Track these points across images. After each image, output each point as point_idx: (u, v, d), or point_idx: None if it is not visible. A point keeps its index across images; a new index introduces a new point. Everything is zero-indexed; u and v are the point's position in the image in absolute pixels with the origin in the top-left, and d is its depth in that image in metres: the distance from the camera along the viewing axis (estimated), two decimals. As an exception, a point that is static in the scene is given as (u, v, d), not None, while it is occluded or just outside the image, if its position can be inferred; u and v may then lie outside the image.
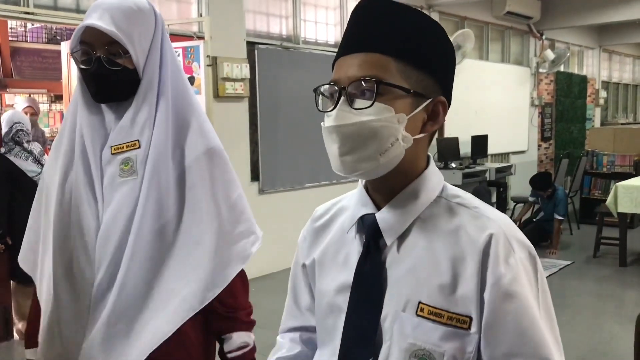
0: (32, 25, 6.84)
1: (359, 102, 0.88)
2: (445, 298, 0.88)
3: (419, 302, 0.89)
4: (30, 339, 1.53)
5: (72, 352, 1.38)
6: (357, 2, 0.95)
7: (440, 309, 0.88)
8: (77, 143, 1.42)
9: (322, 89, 0.94)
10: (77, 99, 1.44)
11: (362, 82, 0.87)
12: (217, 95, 5.00)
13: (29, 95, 6.56)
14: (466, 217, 0.92)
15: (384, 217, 0.94)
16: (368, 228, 0.95)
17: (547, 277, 3.83)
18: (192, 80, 4.61)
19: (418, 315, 0.89)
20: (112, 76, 1.36)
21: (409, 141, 0.90)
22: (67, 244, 1.39)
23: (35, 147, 4.10)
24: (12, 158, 3.91)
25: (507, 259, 0.87)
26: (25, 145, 4.04)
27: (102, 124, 1.42)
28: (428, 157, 0.98)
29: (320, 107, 0.94)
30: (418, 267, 0.90)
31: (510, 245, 0.88)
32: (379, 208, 0.95)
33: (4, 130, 3.98)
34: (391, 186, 0.94)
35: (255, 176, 5.51)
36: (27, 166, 3.96)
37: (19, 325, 4.07)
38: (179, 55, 4.52)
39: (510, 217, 6.36)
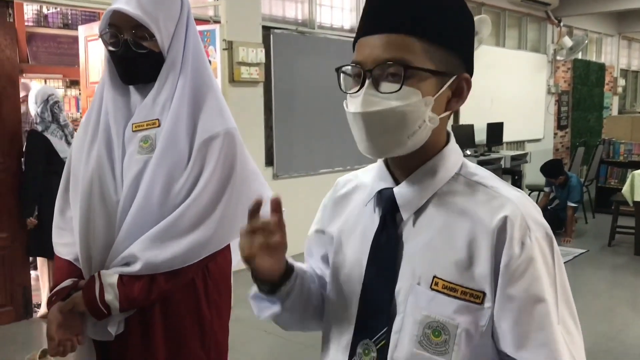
0: (48, 10, 6.87)
1: (386, 86, 0.87)
2: (459, 273, 0.89)
3: (434, 277, 0.90)
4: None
5: None
6: None
7: (454, 283, 0.89)
8: (101, 121, 1.47)
9: (344, 69, 0.93)
10: (105, 79, 1.49)
11: (388, 65, 0.87)
12: (233, 79, 5.02)
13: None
14: (483, 196, 0.92)
15: (402, 192, 0.95)
16: (385, 202, 0.96)
17: (561, 263, 3.61)
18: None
19: (432, 289, 0.90)
20: (138, 59, 1.40)
21: (436, 122, 0.90)
22: (89, 216, 1.44)
23: (68, 126, 4.12)
24: (48, 136, 3.94)
25: (522, 239, 0.87)
26: (62, 120, 4.05)
27: (127, 103, 1.46)
28: (448, 134, 0.98)
29: (343, 88, 0.94)
30: (433, 243, 0.91)
31: (526, 225, 0.88)
32: (397, 182, 0.97)
33: (39, 106, 4.00)
34: (412, 162, 0.94)
35: (269, 161, 5.53)
36: (60, 146, 3.99)
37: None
38: (195, 39, 4.54)
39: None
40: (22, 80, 5.32)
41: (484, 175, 0.96)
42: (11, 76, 4.00)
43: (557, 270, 0.90)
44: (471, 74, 0.95)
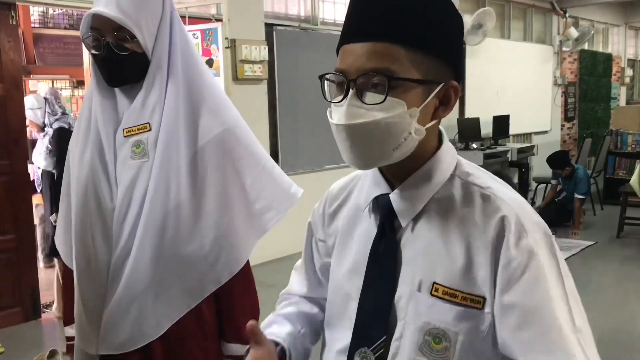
0: (54, 11, 6.90)
1: (370, 97, 0.85)
2: (459, 279, 0.87)
3: (434, 283, 0.88)
4: (67, 316, 1.60)
5: (94, 321, 1.44)
6: None
7: (454, 289, 0.87)
8: (92, 126, 1.45)
9: (328, 76, 0.91)
10: (92, 84, 1.47)
11: (372, 75, 0.84)
12: (236, 77, 5.02)
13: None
14: (479, 199, 0.90)
15: (398, 198, 0.93)
16: (382, 209, 0.95)
17: (569, 258, 3.84)
18: (210, 62, 4.63)
19: (433, 295, 0.88)
20: (121, 61, 1.38)
21: (422, 133, 0.88)
22: (85, 223, 1.43)
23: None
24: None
25: (519, 240, 0.85)
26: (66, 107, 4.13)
27: (115, 107, 1.45)
28: (441, 134, 0.96)
29: (327, 96, 0.92)
30: (432, 248, 0.90)
31: (522, 226, 0.86)
32: (392, 187, 0.95)
33: (48, 107, 4.04)
34: (404, 167, 0.93)
35: (274, 158, 5.51)
36: None
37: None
38: (197, 37, 4.52)
39: (532, 198, 6.28)
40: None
41: (479, 175, 0.94)
42: (15, 78, 4.01)
43: (560, 266, 0.88)
44: (459, 80, 0.92)
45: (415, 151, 0.90)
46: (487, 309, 0.86)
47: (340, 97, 0.87)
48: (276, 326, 1.09)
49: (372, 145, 0.87)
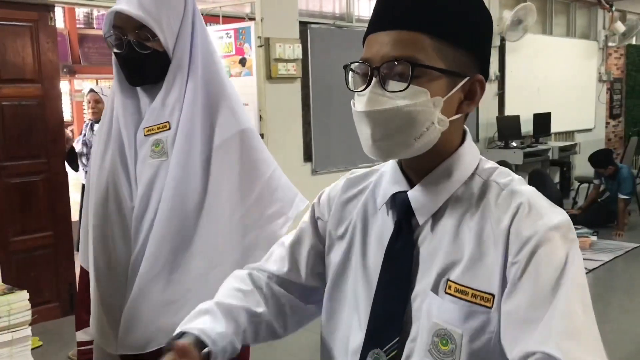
0: (99, 12, 7.05)
1: (393, 84, 0.84)
2: (471, 275, 0.85)
3: (447, 280, 0.87)
4: (79, 320, 1.61)
5: (114, 321, 1.45)
6: None
7: (465, 286, 0.85)
8: (113, 126, 1.47)
9: (352, 66, 0.91)
10: (115, 83, 1.48)
11: (396, 63, 0.84)
12: (270, 76, 5.01)
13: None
14: (498, 197, 0.88)
15: (417, 196, 0.91)
16: (400, 206, 0.93)
17: (611, 260, 3.65)
18: (243, 61, 4.64)
19: (446, 293, 0.87)
20: (142, 59, 1.39)
21: (445, 124, 0.87)
22: (105, 221, 1.44)
23: None
24: None
25: (531, 227, 0.82)
26: None
27: (137, 107, 1.45)
28: (464, 132, 0.94)
29: (350, 86, 0.92)
30: (448, 246, 0.88)
31: (537, 213, 0.83)
32: (412, 184, 0.93)
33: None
34: (425, 164, 0.91)
35: (308, 157, 5.51)
36: None
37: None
38: (230, 37, 4.54)
39: (574, 198, 6.06)
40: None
41: (501, 174, 0.92)
42: (53, 78, 4.11)
43: (571, 258, 0.81)
44: (486, 76, 0.91)
45: (437, 146, 0.88)
46: (495, 309, 0.83)
47: (363, 87, 0.87)
48: (209, 319, 0.96)
49: (393, 134, 0.86)
